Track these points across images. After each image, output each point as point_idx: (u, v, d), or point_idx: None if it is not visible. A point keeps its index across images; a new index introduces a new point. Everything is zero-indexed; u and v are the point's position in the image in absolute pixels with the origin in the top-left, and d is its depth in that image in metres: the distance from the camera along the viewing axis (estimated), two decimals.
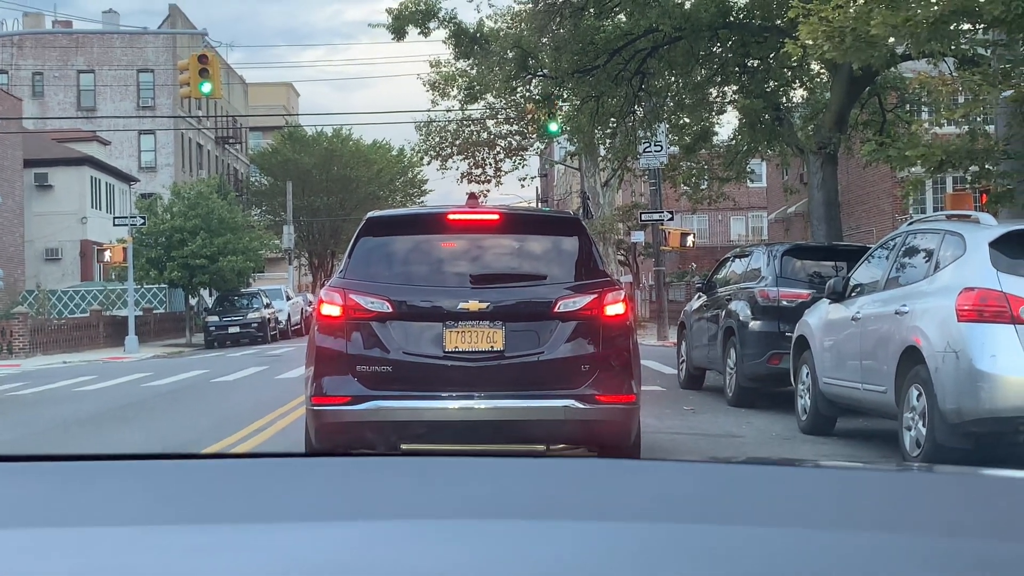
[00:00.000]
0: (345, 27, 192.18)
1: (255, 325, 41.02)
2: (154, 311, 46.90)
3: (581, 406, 7.66)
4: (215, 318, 41.35)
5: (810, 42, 14.18)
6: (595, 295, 7.86)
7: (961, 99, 16.59)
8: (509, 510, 1.52)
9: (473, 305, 7.72)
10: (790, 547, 1.38)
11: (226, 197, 46.31)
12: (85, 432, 13.44)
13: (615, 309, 7.89)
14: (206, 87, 25.45)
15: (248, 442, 11.42)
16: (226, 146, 71.77)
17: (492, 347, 7.74)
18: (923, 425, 9.06)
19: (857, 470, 2.01)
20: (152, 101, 60.52)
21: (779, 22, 20.17)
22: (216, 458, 2.09)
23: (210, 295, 47.66)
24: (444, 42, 27.96)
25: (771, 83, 22.66)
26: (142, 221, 38.83)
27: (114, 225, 41.16)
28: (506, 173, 48.01)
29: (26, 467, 1.80)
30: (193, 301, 46.30)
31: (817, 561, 1.35)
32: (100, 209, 51.22)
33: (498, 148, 47.40)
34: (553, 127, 31.33)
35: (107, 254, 40.53)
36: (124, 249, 37.79)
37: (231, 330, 40.61)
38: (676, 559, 1.35)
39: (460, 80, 41.90)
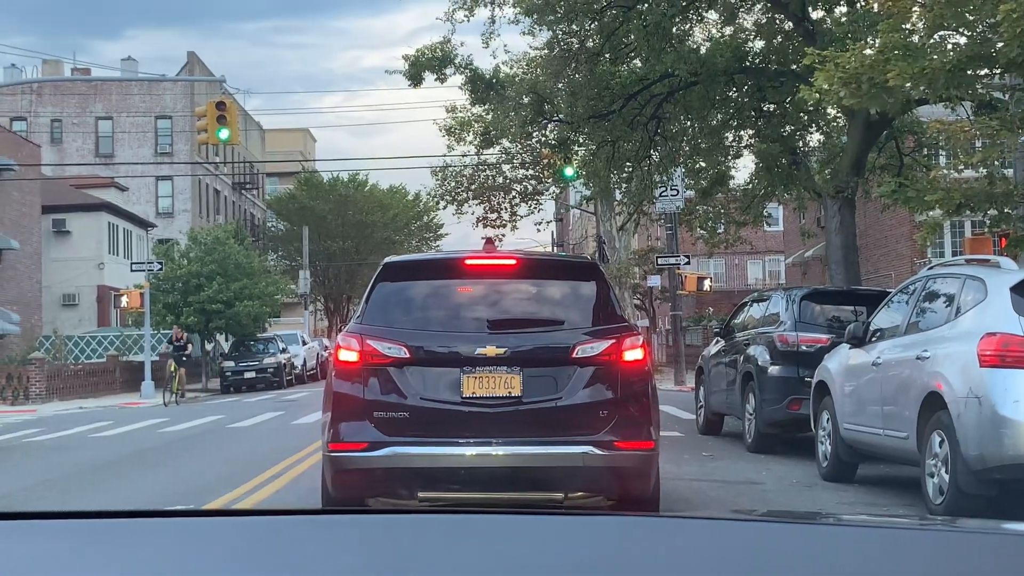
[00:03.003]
0: (363, 73, 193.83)
1: (271, 370, 41.07)
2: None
3: (600, 452, 7.57)
4: (231, 363, 41.41)
5: (826, 86, 14.19)
6: (613, 340, 7.80)
7: (979, 144, 16.55)
8: (529, 571, 1.47)
9: (491, 351, 7.66)
10: None
11: (243, 242, 46.50)
12: (101, 479, 13.40)
13: (634, 354, 7.82)
14: (224, 133, 25.60)
15: (264, 489, 11.35)
16: (243, 191, 72.19)
17: (510, 393, 7.67)
18: (946, 472, 8.95)
19: (878, 528, 1.96)
20: (170, 147, 60.97)
21: (795, 67, 20.21)
22: (231, 515, 2.04)
23: (226, 340, 47.74)
24: (460, 88, 28.09)
25: (787, 127, 22.68)
26: (159, 266, 39.01)
27: (131, 271, 41.34)
28: (522, 217, 47.98)
29: (34, 525, 1.76)
30: (209, 346, 46.36)
31: None
32: (117, 255, 51.46)
33: (514, 192, 47.49)
34: (569, 172, 31.41)
35: (124, 299, 40.69)
36: (141, 294, 37.92)
37: (247, 375, 40.66)
38: None
39: (476, 125, 42.08)
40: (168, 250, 44.18)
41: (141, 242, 54.49)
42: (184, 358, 33.63)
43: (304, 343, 48.65)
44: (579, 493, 7.81)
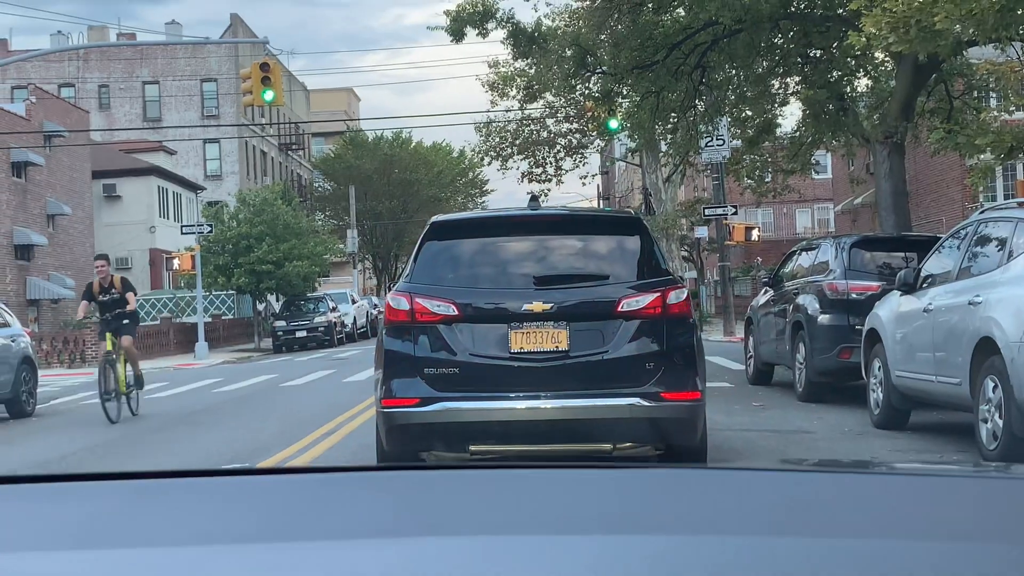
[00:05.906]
0: (405, 31, 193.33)
1: (322, 329, 41.39)
2: (223, 317, 47.48)
3: (646, 404, 7.68)
4: (283, 323, 41.78)
5: (874, 31, 13.98)
6: (658, 293, 7.87)
7: None
8: (581, 525, 1.50)
9: (537, 306, 7.76)
10: (867, 559, 1.34)
11: (290, 203, 46.76)
12: (157, 440, 13.62)
13: (678, 307, 7.90)
14: (268, 95, 25.68)
15: (319, 446, 11.50)
16: (289, 152, 72.47)
17: (557, 347, 7.77)
18: (1000, 417, 8.89)
19: (931, 476, 1.96)
20: (216, 110, 61.27)
21: (841, 11, 19.91)
22: (284, 473, 2.08)
23: (277, 300, 48.15)
24: (502, 42, 27.97)
25: (834, 73, 22.36)
26: (209, 229, 39.34)
27: (182, 233, 41.74)
28: (567, 172, 47.74)
29: (91, 487, 1.81)
30: (261, 307, 46.80)
31: (895, 573, 1.31)
32: (168, 218, 51.95)
33: (558, 147, 47.25)
34: (613, 124, 31.20)
35: (176, 262, 41.14)
36: (192, 257, 38.31)
37: (298, 334, 41.02)
38: (751, 573, 1.32)
39: (519, 80, 41.87)
40: (217, 212, 44.55)
41: (191, 205, 54.97)
42: (126, 321, 16.28)
43: (354, 301, 48.96)
44: (627, 444, 7.91)
